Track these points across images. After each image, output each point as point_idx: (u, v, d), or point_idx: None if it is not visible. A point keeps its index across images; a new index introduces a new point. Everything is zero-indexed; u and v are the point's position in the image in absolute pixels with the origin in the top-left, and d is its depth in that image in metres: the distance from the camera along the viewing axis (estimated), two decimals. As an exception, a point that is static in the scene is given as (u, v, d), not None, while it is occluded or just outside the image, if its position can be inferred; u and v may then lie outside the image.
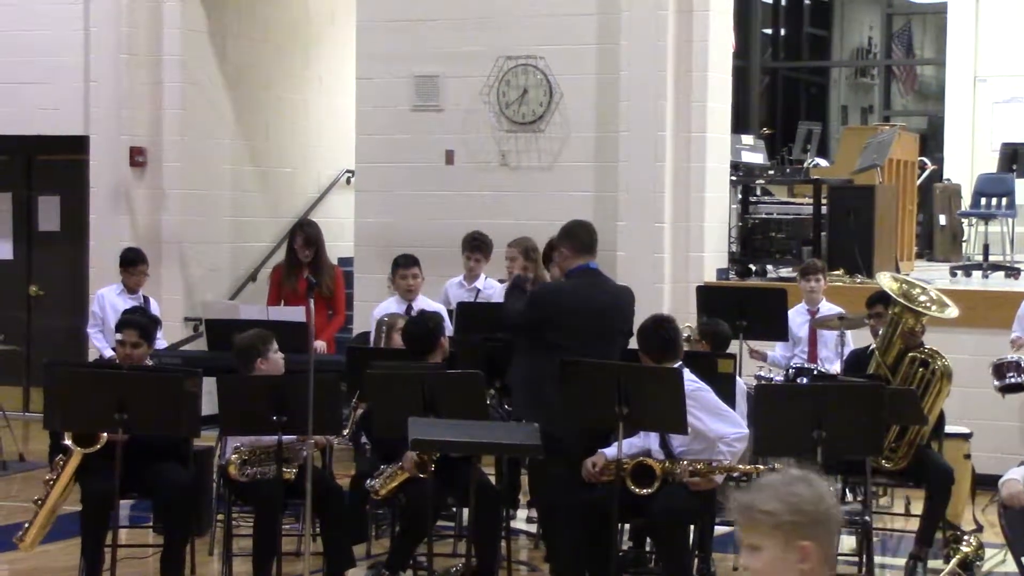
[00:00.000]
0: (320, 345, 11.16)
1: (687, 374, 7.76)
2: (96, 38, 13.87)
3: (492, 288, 11.10)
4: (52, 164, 14.63)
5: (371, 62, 13.43)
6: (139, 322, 8.58)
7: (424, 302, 10.52)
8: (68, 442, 7.89)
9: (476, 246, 11.14)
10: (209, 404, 7.95)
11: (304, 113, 15.05)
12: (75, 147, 14.05)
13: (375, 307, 10.92)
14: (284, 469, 7.76)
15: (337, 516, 8.05)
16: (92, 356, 11.79)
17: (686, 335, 8.98)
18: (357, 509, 8.60)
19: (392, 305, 10.46)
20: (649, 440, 7.75)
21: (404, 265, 10.65)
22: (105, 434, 7.78)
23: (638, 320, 8.17)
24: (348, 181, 14.91)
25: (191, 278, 14.05)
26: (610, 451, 7.63)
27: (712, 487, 7.67)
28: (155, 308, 11.42)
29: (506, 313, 8.34)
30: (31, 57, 14.11)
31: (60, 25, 14.02)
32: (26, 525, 8.03)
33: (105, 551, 7.77)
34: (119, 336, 8.42)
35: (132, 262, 11.55)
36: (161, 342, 10.96)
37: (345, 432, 8.27)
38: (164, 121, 13.85)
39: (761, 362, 10.84)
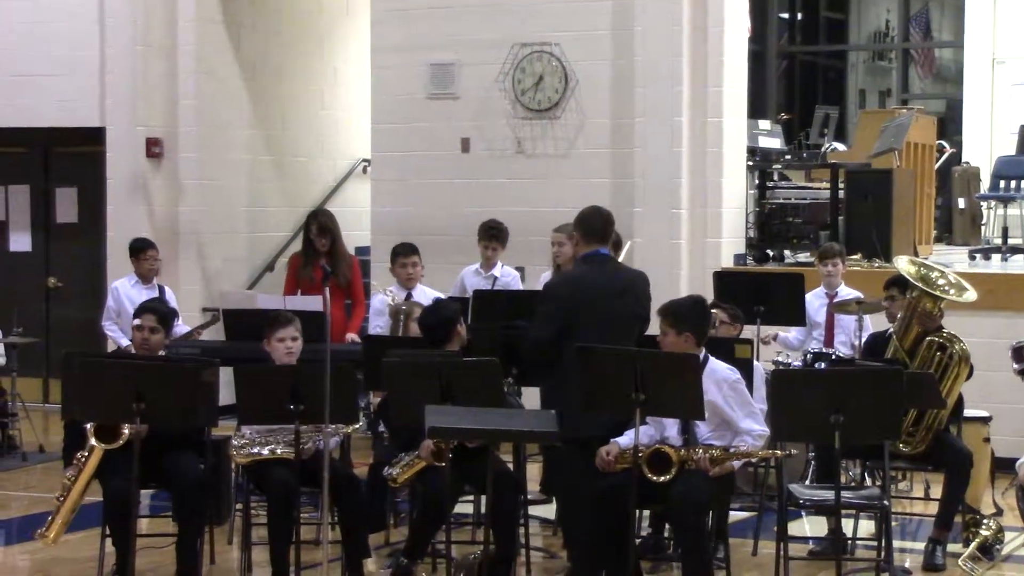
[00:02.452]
0: (353, 338, 11.14)
1: (724, 365, 7.79)
2: (112, 29, 13.89)
3: (509, 276, 11.09)
4: (69, 156, 14.68)
5: (386, 51, 13.43)
6: (158, 308, 8.69)
7: (423, 292, 10.49)
8: (92, 440, 7.90)
9: (493, 234, 11.12)
10: (227, 394, 7.97)
11: (320, 102, 15.05)
12: (92, 139, 14.08)
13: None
14: (282, 451, 7.80)
15: (355, 505, 8.05)
16: (110, 349, 11.82)
17: (714, 321, 8.96)
18: (375, 498, 8.61)
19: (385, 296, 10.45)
20: (666, 427, 7.73)
21: (404, 254, 10.65)
22: (127, 430, 7.80)
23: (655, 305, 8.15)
24: (364, 170, 14.91)
25: (208, 268, 14.07)
26: (624, 440, 7.62)
27: (730, 472, 7.65)
28: (171, 297, 11.48)
29: (530, 339, 8.16)
30: (47, 49, 14.14)
31: (76, 17, 14.05)
32: (48, 520, 8.06)
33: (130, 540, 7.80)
34: (137, 321, 8.44)
35: (140, 249, 11.59)
36: (182, 327, 11.02)
37: (360, 424, 8.27)
38: (180, 112, 13.88)
39: (772, 342, 10.81)
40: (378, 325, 10.48)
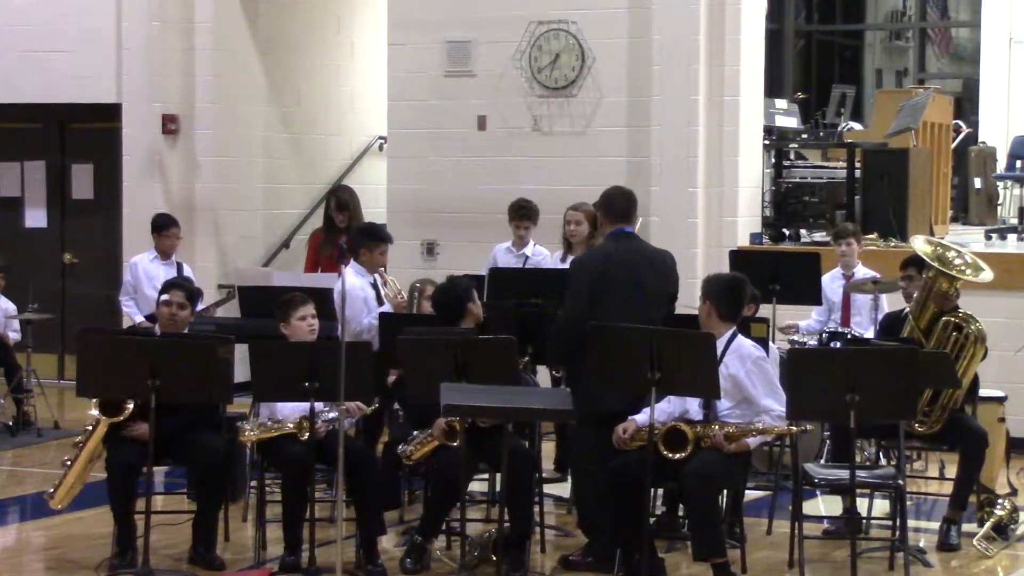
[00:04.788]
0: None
1: (750, 343, 7.84)
2: (128, 5, 13.90)
3: (540, 255, 11.03)
4: (85, 132, 14.68)
5: (403, 28, 13.41)
6: (186, 285, 8.71)
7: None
8: (95, 411, 7.94)
9: (524, 213, 11.08)
10: (242, 371, 7.98)
11: (336, 79, 15.03)
12: (108, 115, 14.09)
13: (415, 277, 10.75)
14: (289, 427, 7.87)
15: (369, 482, 8.06)
16: (125, 325, 11.84)
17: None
18: (390, 475, 8.62)
19: (355, 277, 10.09)
20: (687, 402, 7.74)
21: (387, 240, 10.17)
22: (131, 405, 7.82)
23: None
24: (380, 147, 14.90)
25: (224, 245, 14.08)
26: (640, 418, 7.62)
27: (744, 449, 7.65)
28: (189, 274, 11.48)
29: (559, 324, 8.12)
30: (63, 25, 14.14)
31: (92, -7, 14.06)
32: (56, 483, 8.11)
33: (138, 518, 7.82)
34: (166, 296, 8.42)
35: (164, 226, 11.60)
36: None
37: (376, 404, 8.25)
38: (196, 88, 13.88)
39: (795, 334, 10.79)
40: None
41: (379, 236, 10.14)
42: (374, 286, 9.86)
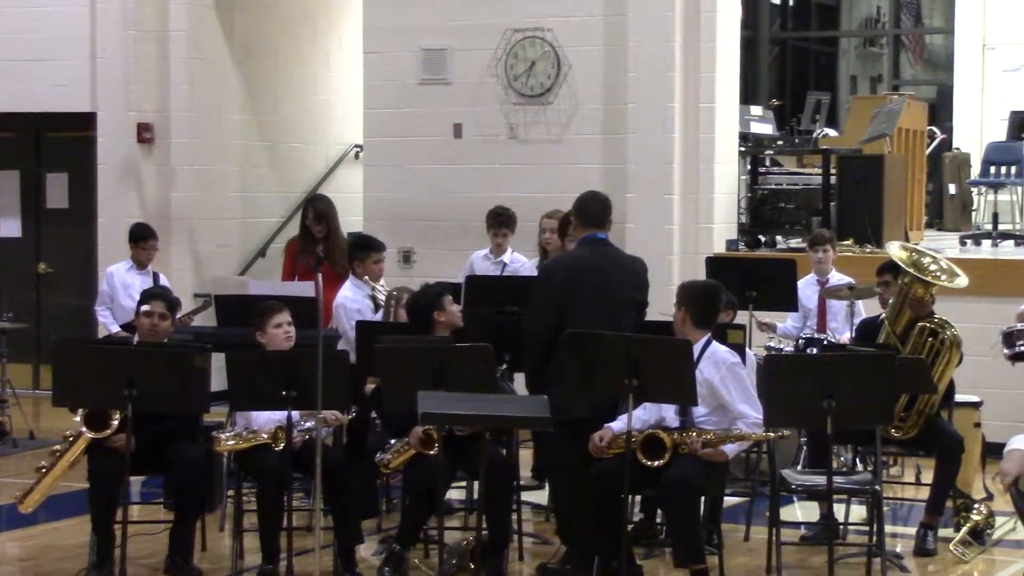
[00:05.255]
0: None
1: (725, 349, 7.86)
2: (103, 14, 13.86)
3: (518, 262, 11.03)
4: (60, 141, 14.63)
5: (379, 36, 13.41)
6: (167, 296, 8.68)
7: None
8: (80, 426, 7.91)
9: (502, 221, 11.08)
10: (219, 380, 7.96)
11: (312, 87, 15.02)
12: (83, 124, 14.04)
13: (392, 285, 10.74)
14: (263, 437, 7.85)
15: (347, 491, 8.05)
16: (101, 335, 11.81)
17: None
18: (367, 484, 8.60)
19: (350, 290, 10.16)
20: (663, 409, 7.75)
21: (380, 250, 10.29)
22: (116, 421, 7.80)
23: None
24: (357, 156, 14.89)
25: (200, 254, 14.05)
26: (617, 425, 7.63)
27: (722, 459, 7.66)
28: (165, 282, 11.47)
29: (528, 332, 8.14)
30: (38, 34, 14.09)
31: (67, 2, 14.00)
32: (28, 487, 8.08)
33: (116, 528, 7.79)
34: (146, 307, 8.38)
35: (142, 236, 11.57)
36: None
37: (352, 413, 8.25)
38: (172, 97, 13.84)
39: (771, 333, 10.83)
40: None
41: (369, 246, 10.16)
42: (373, 298, 9.82)
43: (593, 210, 8.17)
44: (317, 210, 11.59)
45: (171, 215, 13.84)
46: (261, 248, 14.50)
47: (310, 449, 7.61)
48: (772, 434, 7.73)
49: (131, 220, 12.46)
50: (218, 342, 8.73)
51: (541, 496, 9.59)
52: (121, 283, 11.51)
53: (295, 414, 7.69)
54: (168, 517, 8.29)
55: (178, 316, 10.72)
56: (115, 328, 11.33)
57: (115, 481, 7.82)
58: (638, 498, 8.54)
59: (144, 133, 13.82)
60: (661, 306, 9.74)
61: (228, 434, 8.06)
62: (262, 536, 7.97)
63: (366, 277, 9.90)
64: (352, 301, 9.81)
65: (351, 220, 14.10)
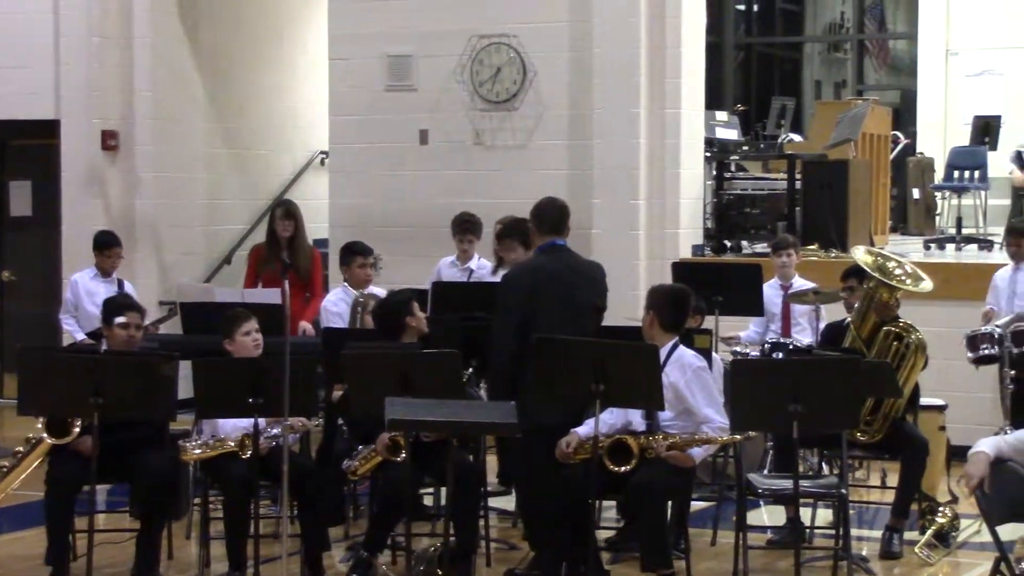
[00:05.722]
0: (306, 327, 11.11)
1: (692, 353, 7.86)
2: (66, 21, 13.79)
3: (485, 268, 11.03)
4: (23, 149, 14.54)
5: (344, 42, 13.39)
6: (138, 306, 8.63)
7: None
8: (42, 431, 7.87)
9: (468, 227, 11.08)
10: (185, 388, 7.94)
11: (277, 94, 15.00)
12: (46, 131, 13.96)
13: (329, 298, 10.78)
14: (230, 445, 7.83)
15: (313, 498, 8.04)
16: (66, 343, 11.76)
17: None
18: (334, 491, 8.59)
19: (341, 294, 10.28)
20: (629, 413, 7.76)
21: (364, 253, 10.41)
22: (77, 428, 7.76)
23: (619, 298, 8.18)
24: (322, 162, 14.87)
25: (165, 261, 14.00)
26: (583, 430, 7.64)
27: (689, 463, 7.67)
28: (131, 291, 11.40)
29: (496, 341, 8.14)
30: (1, 41, 14.01)
31: (30, 9, 13.93)
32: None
33: (80, 536, 7.76)
34: (122, 319, 8.34)
35: (106, 244, 11.52)
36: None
37: (319, 420, 8.24)
38: (136, 104, 13.78)
39: (737, 346, 10.84)
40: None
41: (351, 250, 10.29)
42: (356, 305, 9.83)
43: (551, 217, 8.19)
44: (287, 208, 11.61)
45: (136, 223, 13.79)
46: (227, 255, 14.47)
47: (277, 456, 7.60)
48: (739, 436, 7.74)
49: (96, 228, 12.40)
50: (184, 350, 8.70)
51: (508, 502, 9.58)
52: (86, 291, 11.46)
53: (261, 421, 7.68)
54: (134, 525, 8.25)
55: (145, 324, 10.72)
56: (80, 336, 11.29)
57: (75, 487, 7.80)
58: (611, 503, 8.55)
59: (108, 140, 13.77)
60: (627, 311, 9.78)
61: (195, 443, 8.04)
62: (229, 544, 7.95)
63: (345, 283, 9.96)
64: (334, 304, 9.99)
65: (317, 227, 14.09)
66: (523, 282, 8.06)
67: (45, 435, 7.88)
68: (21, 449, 8.03)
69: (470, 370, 8.61)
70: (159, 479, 7.99)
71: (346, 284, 10.33)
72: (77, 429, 7.79)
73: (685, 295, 8.06)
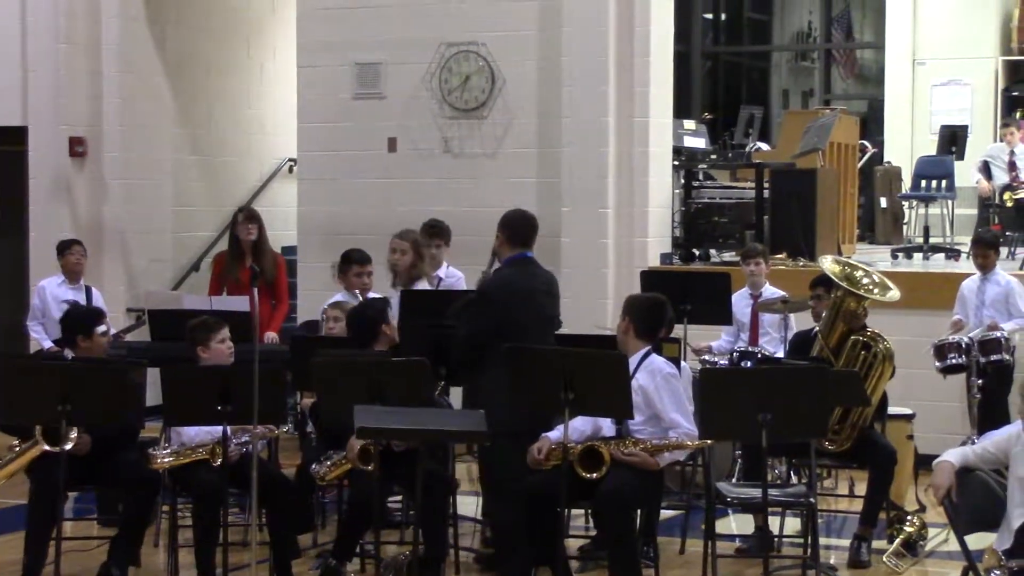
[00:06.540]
0: (272, 336, 11.09)
1: (664, 360, 7.89)
2: (33, 27, 13.75)
3: (454, 276, 10.99)
4: (-10, 155, 14.51)
5: (312, 50, 13.38)
6: (101, 311, 8.61)
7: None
8: (39, 439, 7.82)
9: (435, 232, 11.05)
10: (153, 395, 7.91)
11: (246, 101, 14.97)
12: (13, 138, 13.92)
13: (326, 299, 10.74)
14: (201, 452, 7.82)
15: (283, 506, 8.03)
16: (33, 350, 11.71)
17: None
18: (303, 499, 8.57)
19: (343, 298, 10.27)
20: (599, 419, 7.77)
21: (360, 262, 10.41)
22: (74, 435, 7.72)
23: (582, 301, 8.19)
24: (291, 170, 14.85)
25: (133, 268, 13.97)
26: (554, 435, 7.64)
27: (655, 468, 7.67)
28: (98, 298, 11.40)
29: (462, 335, 8.21)
30: (-32, 47, 13.97)
31: (-4, 15, 13.90)
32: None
33: (49, 544, 7.72)
34: (103, 328, 8.35)
35: (65, 244, 11.52)
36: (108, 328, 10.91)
37: (288, 426, 8.23)
38: (104, 111, 13.76)
39: (707, 355, 10.85)
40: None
41: (348, 259, 10.27)
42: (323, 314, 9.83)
43: (521, 230, 8.27)
44: (249, 212, 11.57)
45: (104, 229, 13.75)
46: (195, 262, 14.43)
47: (246, 464, 7.58)
48: (709, 441, 7.76)
49: (64, 235, 12.37)
50: (152, 357, 8.67)
51: (477, 509, 9.56)
52: (53, 297, 11.41)
53: (228, 429, 7.65)
54: (102, 533, 8.22)
55: (113, 332, 10.69)
56: (47, 343, 11.24)
57: (58, 497, 7.76)
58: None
59: (76, 147, 13.72)
60: (596, 319, 9.80)
61: (165, 451, 8.01)
62: (197, 552, 7.93)
63: (345, 291, 10.04)
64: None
65: (285, 235, 14.08)
66: (499, 296, 8.12)
67: (38, 437, 7.82)
68: (16, 445, 7.96)
69: (441, 382, 8.61)
70: (142, 479, 7.99)
71: (345, 292, 10.27)
72: (74, 435, 7.72)
73: (663, 305, 8.09)
